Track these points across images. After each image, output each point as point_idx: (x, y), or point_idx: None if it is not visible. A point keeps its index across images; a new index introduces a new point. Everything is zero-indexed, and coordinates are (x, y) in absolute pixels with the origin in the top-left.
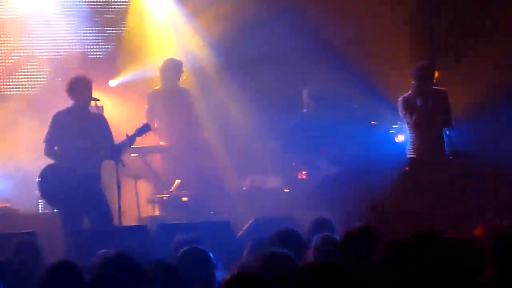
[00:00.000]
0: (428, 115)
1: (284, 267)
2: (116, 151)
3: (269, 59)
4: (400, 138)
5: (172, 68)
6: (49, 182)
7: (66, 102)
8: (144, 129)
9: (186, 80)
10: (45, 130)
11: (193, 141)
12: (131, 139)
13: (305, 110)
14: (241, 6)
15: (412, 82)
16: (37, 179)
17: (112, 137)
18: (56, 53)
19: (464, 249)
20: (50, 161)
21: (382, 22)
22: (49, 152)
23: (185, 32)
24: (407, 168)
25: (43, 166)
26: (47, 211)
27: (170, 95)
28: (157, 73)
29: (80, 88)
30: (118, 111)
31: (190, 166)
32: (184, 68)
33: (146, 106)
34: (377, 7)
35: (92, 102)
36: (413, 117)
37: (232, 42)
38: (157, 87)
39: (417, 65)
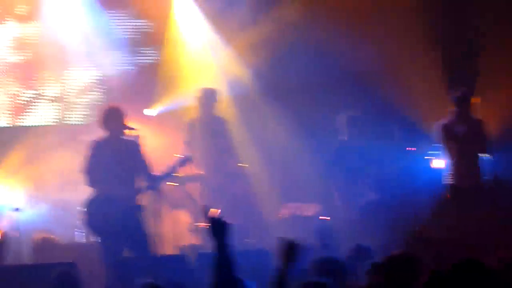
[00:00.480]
0: (468, 142)
1: None
2: (155, 180)
3: (305, 87)
4: (436, 163)
5: (209, 97)
6: (92, 212)
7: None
8: (185, 160)
9: (224, 107)
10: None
11: (229, 170)
12: (173, 170)
13: (345, 138)
14: (276, 33)
15: (453, 109)
16: (81, 209)
17: (147, 166)
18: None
19: (506, 278)
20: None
21: (413, 48)
22: (90, 182)
23: (222, 59)
24: (448, 196)
25: (76, 196)
26: (84, 240)
27: (207, 123)
28: (194, 102)
29: (112, 118)
30: (155, 140)
31: (226, 195)
32: (221, 96)
33: (185, 136)
34: (407, 32)
35: (128, 131)
36: (454, 144)
37: (269, 69)
38: (194, 116)
39: (457, 93)
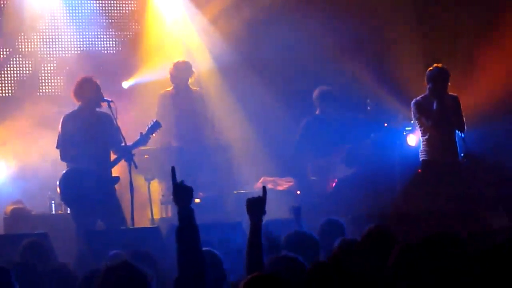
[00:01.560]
0: (443, 118)
1: (294, 271)
2: (128, 152)
3: (285, 60)
4: (411, 140)
5: (182, 70)
6: (67, 185)
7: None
8: (155, 126)
9: (203, 80)
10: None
11: (204, 142)
12: (144, 137)
13: (317, 112)
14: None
15: (427, 85)
16: (57, 182)
17: (122, 138)
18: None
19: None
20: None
21: (393, 22)
22: (64, 157)
23: (200, 32)
24: (420, 170)
25: (55, 168)
26: (60, 212)
27: (181, 96)
28: (168, 75)
29: (86, 89)
30: (132, 112)
31: (201, 167)
32: (198, 68)
33: (156, 108)
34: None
35: (105, 104)
36: (429, 120)
37: (247, 43)
38: (168, 89)
39: (432, 68)
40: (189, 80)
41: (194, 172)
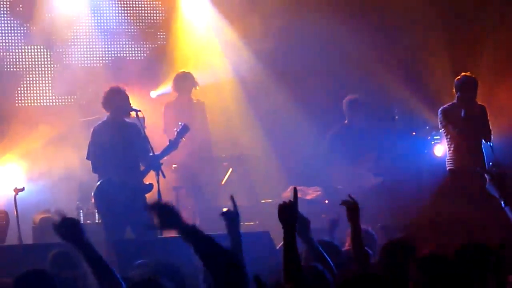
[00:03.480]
0: (470, 127)
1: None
2: (156, 161)
3: (312, 71)
4: (438, 150)
5: (183, 81)
6: (101, 196)
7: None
8: (183, 131)
9: (231, 89)
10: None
11: (202, 154)
12: (174, 142)
13: (345, 121)
14: (286, 16)
15: (456, 94)
16: (92, 193)
17: (150, 147)
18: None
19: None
20: None
21: (423, 34)
22: (96, 169)
23: (229, 42)
24: (447, 180)
25: (84, 178)
26: (88, 221)
27: (183, 106)
28: (171, 86)
29: (115, 99)
30: (160, 121)
31: (200, 179)
32: (228, 77)
33: (162, 118)
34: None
35: (133, 113)
36: (455, 128)
37: (275, 53)
38: (172, 99)
39: (460, 77)
40: (191, 91)
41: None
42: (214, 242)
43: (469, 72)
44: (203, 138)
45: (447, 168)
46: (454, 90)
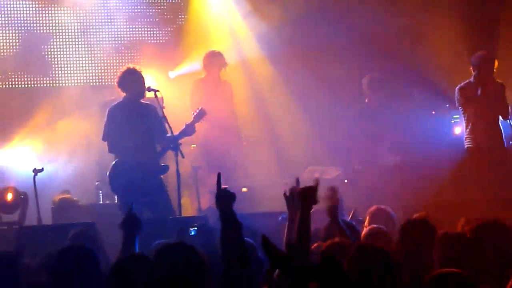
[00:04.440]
0: (487, 105)
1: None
2: (173, 142)
3: (329, 50)
4: (457, 129)
5: (213, 59)
6: (115, 176)
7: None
8: (200, 114)
9: (248, 70)
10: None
11: (232, 132)
12: (190, 126)
13: (366, 100)
14: None
15: (473, 72)
16: (107, 173)
17: (168, 128)
18: (113, 42)
19: None
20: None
21: (439, 13)
22: (112, 149)
23: (246, 21)
24: (465, 158)
25: (102, 159)
26: (107, 201)
27: (211, 85)
28: (200, 65)
29: (131, 80)
30: (179, 101)
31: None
32: (246, 58)
33: (189, 95)
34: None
35: (152, 93)
36: (472, 106)
37: (292, 32)
38: (201, 76)
39: (477, 55)
40: (221, 70)
41: (227, 161)
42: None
43: (485, 50)
44: (229, 119)
45: (465, 146)
46: (471, 68)
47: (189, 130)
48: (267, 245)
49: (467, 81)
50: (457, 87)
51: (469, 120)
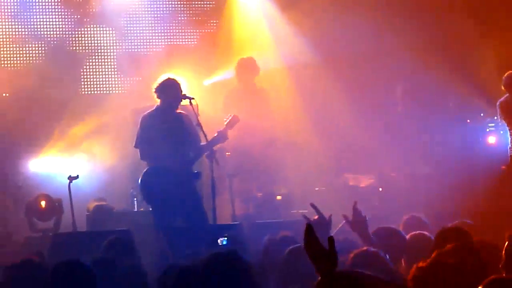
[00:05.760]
0: None
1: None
2: (207, 149)
3: (363, 57)
4: (492, 138)
5: (247, 67)
6: (147, 183)
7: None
8: (233, 121)
9: (279, 77)
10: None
11: (268, 140)
12: (222, 133)
13: (399, 108)
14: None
15: (505, 90)
16: (139, 180)
17: (203, 135)
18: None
19: None
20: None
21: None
22: (144, 156)
23: (280, 29)
24: (504, 167)
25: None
26: (142, 209)
27: (247, 93)
28: (233, 73)
29: (169, 90)
30: (214, 109)
31: (265, 165)
32: (280, 65)
33: (223, 105)
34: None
35: (187, 101)
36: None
37: (326, 39)
38: (235, 86)
39: (506, 75)
40: (254, 77)
41: (263, 168)
42: None
43: None
44: (265, 126)
45: (509, 154)
46: (502, 87)
47: (221, 137)
48: (312, 236)
49: (506, 95)
50: (498, 102)
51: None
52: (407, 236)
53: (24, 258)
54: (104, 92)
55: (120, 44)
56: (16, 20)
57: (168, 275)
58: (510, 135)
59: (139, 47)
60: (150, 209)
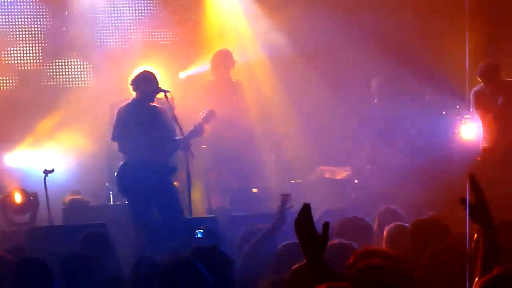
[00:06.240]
0: (501, 109)
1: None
2: (184, 142)
3: (337, 50)
4: (469, 129)
5: (222, 59)
6: (123, 176)
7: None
8: (209, 115)
9: (259, 69)
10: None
11: (244, 133)
12: (198, 127)
13: (375, 101)
14: None
15: (480, 81)
16: (115, 174)
17: (179, 129)
18: (124, 44)
19: None
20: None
21: (451, 13)
22: (122, 149)
23: (257, 21)
24: (479, 158)
25: (112, 159)
26: (118, 202)
27: (221, 86)
28: (209, 65)
29: (145, 82)
30: (190, 102)
31: (241, 158)
32: (258, 56)
33: (199, 97)
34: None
35: (162, 94)
36: (489, 111)
37: (300, 32)
38: (210, 78)
39: (481, 65)
40: (229, 70)
41: (239, 162)
42: None
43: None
44: (240, 119)
45: (481, 146)
46: (478, 77)
47: (197, 131)
48: (307, 218)
49: (481, 84)
50: (472, 91)
51: (484, 121)
52: (385, 228)
53: None
54: (81, 85)
55: (97, 38)
56: None
57: (140, 266)
58: (481, 124)
59: (115, 41)
60: (126, 202)
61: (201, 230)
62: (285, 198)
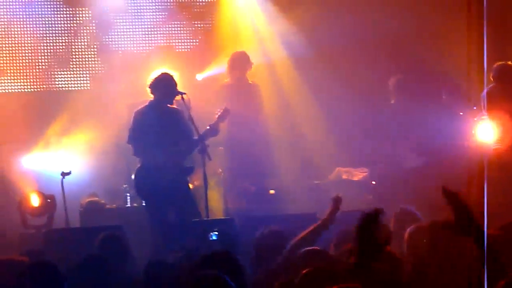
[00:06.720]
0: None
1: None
2: (197, 145)
3: (355, 51)
4: (485, 130)
5: (238, 61)
6: (141, 179)
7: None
8: (224, 114)
9: (275, 71)
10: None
11: (260, 135)
12: (213, 127)
13: (392, 101)
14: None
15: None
16: (132, 176)
17: (195, 130)
18: (141, 48)
19: None
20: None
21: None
22: (137, 152)
23: (273, 22)
24: (491, 159)
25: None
26: (135, 204)
27: (237, 88)
28: (225, 67)
29: (163, 85)
30: (207, 104)
31: (261, 159)
32: (274, 59)
33: (215, 99)
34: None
35: (179, 96)
36: (500, 110)
37: (318, 33)
38: (226, 80)
39: (494, 67)
40: (246, 72)
41: (256, 163)
42: None
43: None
44: (257, 121)
45: (492, 148)
46: (491, 77)
47: (212, 131)
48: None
49: (492, 85)
50: (484, 92)
51: (497, 122)
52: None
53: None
54: (99, 87)
55: (116, 42)
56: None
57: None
58: (494, 126)
59: (133, 45)
60: (143, 204)
61: (216, 233)
62: (337, 200)
